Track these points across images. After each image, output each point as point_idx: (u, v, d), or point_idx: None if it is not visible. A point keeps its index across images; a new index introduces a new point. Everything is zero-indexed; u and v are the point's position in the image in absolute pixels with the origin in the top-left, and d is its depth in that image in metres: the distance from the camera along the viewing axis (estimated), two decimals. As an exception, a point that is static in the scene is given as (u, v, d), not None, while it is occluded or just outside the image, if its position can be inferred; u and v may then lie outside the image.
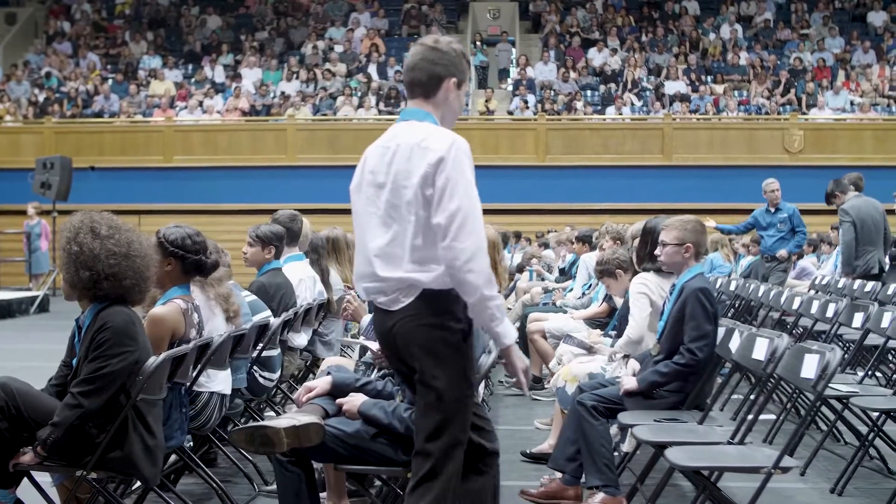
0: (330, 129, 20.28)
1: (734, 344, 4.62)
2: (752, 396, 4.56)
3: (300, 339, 6.31)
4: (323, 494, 4.98)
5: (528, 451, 6.04)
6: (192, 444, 5.11)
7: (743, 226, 11.96)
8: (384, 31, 23.75)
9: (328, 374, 4.09)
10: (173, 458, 5.01)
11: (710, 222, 10.60)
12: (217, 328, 4.72)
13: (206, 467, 5.73)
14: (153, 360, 3.81)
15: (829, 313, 6.71)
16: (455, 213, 3.29)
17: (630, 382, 4.89)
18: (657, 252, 5.39)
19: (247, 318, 5.21)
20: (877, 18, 23.23)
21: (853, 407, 5.35)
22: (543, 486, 5.00)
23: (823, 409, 6.37)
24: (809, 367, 3.88)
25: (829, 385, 5.56)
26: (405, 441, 3.77)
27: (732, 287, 9.72)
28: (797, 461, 3.97)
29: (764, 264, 11.55)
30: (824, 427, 6.51)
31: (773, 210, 11.45)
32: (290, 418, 3.81)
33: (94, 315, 3.92)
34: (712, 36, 23.06)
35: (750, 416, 4.16)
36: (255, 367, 5.47)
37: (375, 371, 4.57)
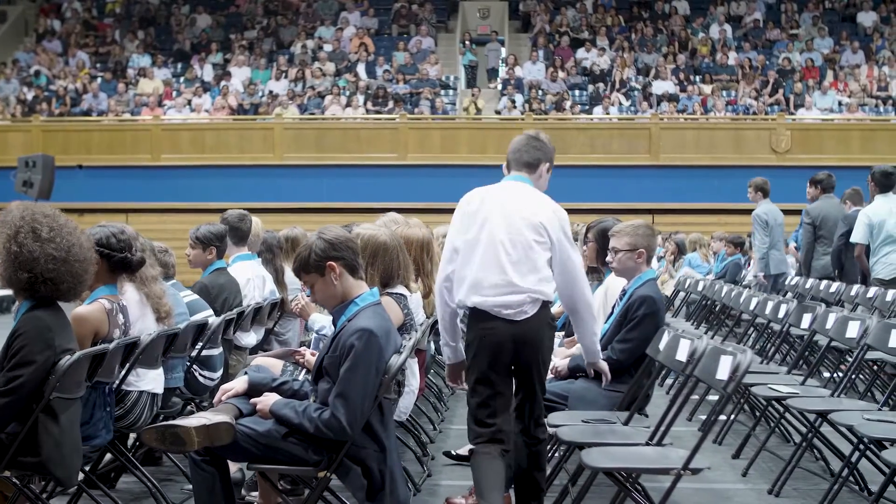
0: (317, 129, 20.28)
1: (662, 344, 4.63)
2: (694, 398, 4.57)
3: (248, 338, 6.31)
4: (255, 494, 5.02)
5: (453, 453, 6.03)
6: (138, 442, 5.12)
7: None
8: (374, 31, 23.75)
9: (245, 374, 4.11)
10: (109, 456, 5.04)
11: None
12: (148, 328, 4.73)
13: (153, 466, 5.79)
14: (66, 360, 3.81)
15: (781, 314, 6.71)
16: None
17: (560, 364, 5.04)
18: (609, 259, 5.41)
19: (183, 318, 5.22)
20: (866, 19, 23.19)
21: (791, 408, 5.36)
22: (471, 494, 4.99)
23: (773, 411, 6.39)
24: (724, 369, 3.88)
25: (770, 386, 5.61)
26: (315, 440, 3.80)
27: (700, 287, 9.73)
28: (707, 462, 3.96)
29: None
30: (785, 431, 6.52)
31: None
32: (202, 417, 3.83)
33: (21, 316, 3.92)
34: (701, 35, 23.04)
35: (668, 417, 4.16)
36: (194, 367, 5.48)
37: (303, 372, 4.58)
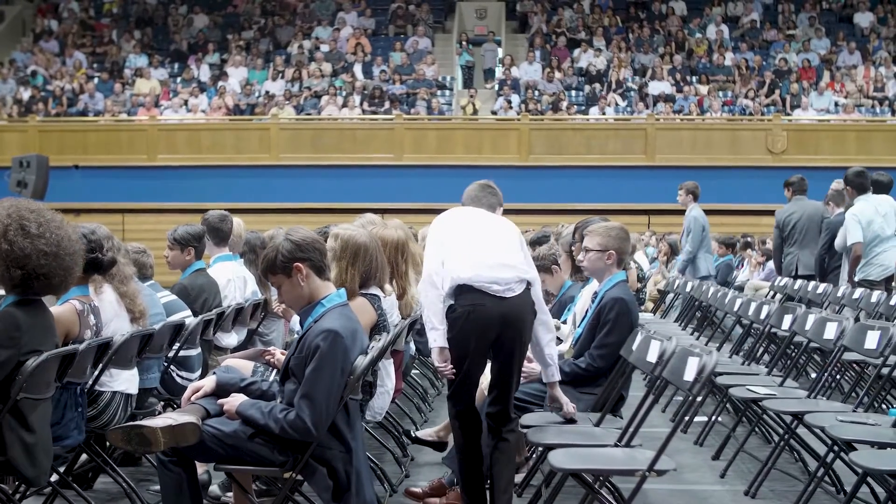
0: (314, 129, 20.30)
1: (635, 345, 4.63)
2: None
3: (229, 338, 6.32)
4: (230, 494, 5.03)
5: (414, 434, 6.04)
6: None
7: None
8: (371, 31, 23.76)
9: (213, 374, 4.12)
10: (85, 456, 5.05)
11: None
12: (122, 328, 4.73)
13: (132, 466, 5.79)
14: (33, 360, 3.82)
15: (763, 315, 6.71)
16: None
17: (535, 369, 4.99)
18: (580, 258, 5.42)
19: (159, 319, 5.22)
20: (863, 19, 23.17)
21: (767, 410, 5.36)
22: (430, 486, 5.00)
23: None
24: (691, 370, 3.88)
25: (748, 387, 5.61)
26: (281, 441, 3.81)
27: (688, 288, 9.73)
28: (674, 464, 3.96)
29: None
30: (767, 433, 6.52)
31: None
32: (168, 418, 3.84)
33: None
34: (698, 36, 23.03)
35: (637, 418, 4.16)
36: (171, 367, 5.49)
37: (275, 372, 4.58)
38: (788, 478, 5.67)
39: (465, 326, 4.44)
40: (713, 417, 6.66)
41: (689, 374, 3.88)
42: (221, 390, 4.02)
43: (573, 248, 6.08)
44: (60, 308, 4.31)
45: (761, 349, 7.27)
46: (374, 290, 4.83)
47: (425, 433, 6.04)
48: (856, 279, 9.00)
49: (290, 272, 3.91)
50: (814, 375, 7.97)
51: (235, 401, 3.89)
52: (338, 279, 4.71)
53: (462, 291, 4.44)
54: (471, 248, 4.54)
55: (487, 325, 4.44)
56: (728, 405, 7.10)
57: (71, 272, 3.94)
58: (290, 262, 3.91)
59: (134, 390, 4.85)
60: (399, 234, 5.34)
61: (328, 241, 4.91)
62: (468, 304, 4.42)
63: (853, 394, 6.59)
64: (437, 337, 4.49)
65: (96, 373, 4.54)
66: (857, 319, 7.29)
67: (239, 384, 4.04)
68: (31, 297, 3.92)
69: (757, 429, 6.35)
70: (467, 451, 4.60)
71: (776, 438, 5.79)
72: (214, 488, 5.11)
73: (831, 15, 23.91)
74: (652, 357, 4.29)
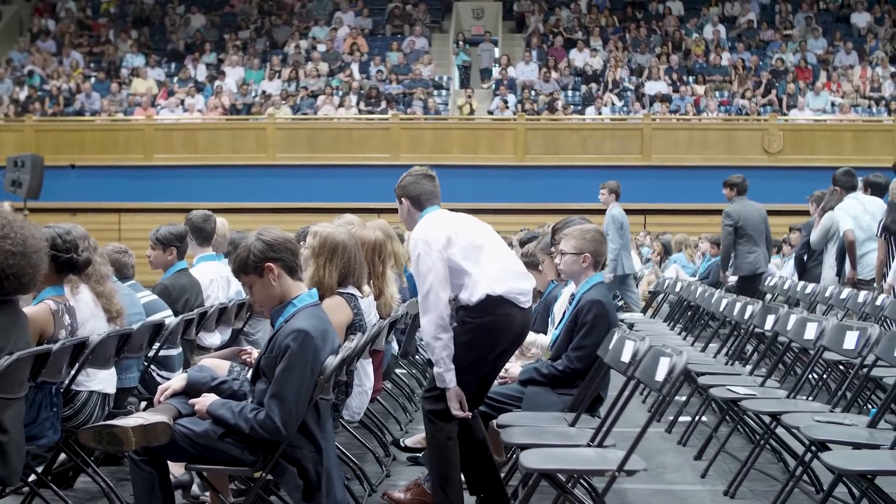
0: (310, 129, 20.31)
1: (611, 345, 4.63)
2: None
3: (212, 338, 6.32)
4: (208, 493, 5.02)
5: (403, 444, 6.04)
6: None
7: None
8: (368, 31, 23.76)
9: (185, 373, 4.12)
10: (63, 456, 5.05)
11: None
12: (99, 328, 4.74)
13: (115, 465, 5.80)
14: (6, 360, 3.82)
15: (746, 315, 6.72)
16: None
17: (513, 371, 5.09)
18: (556, 260, 5.42)
19: (138, 318, 5.23)
20: (860, 19, 23.15)
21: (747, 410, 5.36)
22: (409, 489, 4.99)
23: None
24: (662, 370, 3.89)
25: (728, 388, 5.61)
26: (252, 441, 3.82)
27: (677, 288, 9.74)
28: (644, 464, 3.96)
29: None
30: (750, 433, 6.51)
31: None
32: (139, 417, 3.85)
33: None
34: (695, 36, 23.02)
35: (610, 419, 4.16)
36: (152, 367, 5.49)
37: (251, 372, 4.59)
38: (769, 478, 5.66)
39: (492, 336, 4.55)
40: (697, 417, 6.65)
41: (661, 374, 3.88)
42: (192, 389, 4.03)
43: (552, 249, 6.08)
44: (34, 308, 4.31)
45: (750, 349, 7.27)
46: (352, 290, 4.83)
47: (414, 441, 6.03)
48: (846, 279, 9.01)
49: (262, 272, 3.92)
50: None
51: (206, 400, 3.90)
52: (315, 276, 4.72)
53: (489, 303, 4.50)
54: (499, 255, 4.63)
55: (510, 334, 4.59)
56: (714, 405, 7.09)
57: (38, 269, 3.95)
58: (261, 261, 3.92)
59: (111, 390, 4.86)
60: (377, 235, 5.35)
61: (307, 238, 4.93)
62: (495, 315, 4.51)
63: (845, 394, 6.62)
64: (452, 378, 4.50)
65: (73, 372, 4.54)
66: (846, 320, 7.33)
67: (210, 383, 4.05)
68: (2, 297, 3.92)
69: (740, 429, 6.35)
70: (473, 449, 4.67)
71: (757, 439, 5.78)
72: (195, 488, 5.12)
73: (828, 15, 23.90)
74: (626, 357, 4.29)
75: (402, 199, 4.75)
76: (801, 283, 9.21)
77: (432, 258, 4.47)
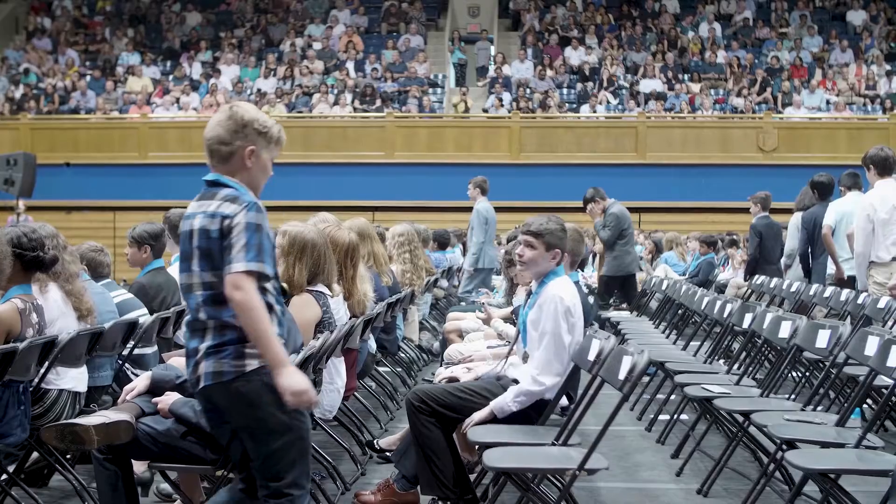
0: (305, 127, 20.29)
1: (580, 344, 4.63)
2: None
3: (191, 336, 6.31)
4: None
5: (377, 445, 6.01)
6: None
7: None
8: (363, 29, 23.76)
9: (150, 372, 4.13)
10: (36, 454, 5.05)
11: None
12: (68, 326, 4.74)
13: (88, 464, 5.79)
14: (-32, 359, 3.84)
15: (725, 314, 6.72)
16: None
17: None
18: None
19: (111, 317, 5.23)
20: (856, 17, 23.13)
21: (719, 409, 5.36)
22: (380, 490, 4.97)
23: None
24: (625, 369, 3.89)
25: (703, 386, 5.62)
26: (213, 439, 3.81)
27: (664, 287, 9.74)
28: (606, 462, 3.96)
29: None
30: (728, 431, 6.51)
31: None
32: (102, 416, 3.85)
33: None
34: (691, 34, 23.01)
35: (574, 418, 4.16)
36: (126, 365, 5.50)
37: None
38: (743, 477, 5.66)
39: None
40: (675, 416, 6.66)
41: (622, 373, 3.88)
42: (157, 388, 4.04)
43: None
44: (2, 307, 4.32)
45: (736, 347, 7.25)
46: (321, 288, 4.84)
47: (388, 442, 6.02)
48: (845, 275, 8.82)
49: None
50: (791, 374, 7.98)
51: (169, 399, 3.91)
52: (285, 274, 4.72)
53: None
54: None
55: None
56: (694, 404, 7.09)
57: (1, 268, 3.96)
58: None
59: (82, 388, 4.86)
60: (351, 238, 5.35)
61: (276, 238, 4.93)
62: None
63: (827, 394, 6.61)
64: None
65: (42, 370, 4.55)
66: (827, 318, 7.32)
67: (174, 382, 4.05)
68: None
69: (718, 428, 6.35)
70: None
71: (731, 437, 5.78)
72: (165, 486, 5.12)
73: (824, 13, 23.87)
74: (592, 356, 4.30)
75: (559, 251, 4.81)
76: (787, 281, 9.19)
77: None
